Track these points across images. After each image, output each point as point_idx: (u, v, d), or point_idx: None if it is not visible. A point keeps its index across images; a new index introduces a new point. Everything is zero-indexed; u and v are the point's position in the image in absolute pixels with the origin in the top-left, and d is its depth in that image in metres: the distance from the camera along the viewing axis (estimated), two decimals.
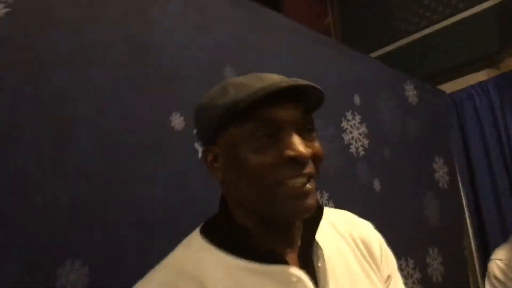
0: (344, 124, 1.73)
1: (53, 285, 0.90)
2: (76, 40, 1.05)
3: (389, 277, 0.73)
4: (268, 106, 0.59)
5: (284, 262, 0.62)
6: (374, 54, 2.87)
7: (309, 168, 0.60)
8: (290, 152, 0.58)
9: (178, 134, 1.19)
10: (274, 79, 0.62)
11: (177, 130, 1.19)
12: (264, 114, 0.59)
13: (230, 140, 0.61)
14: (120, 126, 1.08)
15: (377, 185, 1.77)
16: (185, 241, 0.68)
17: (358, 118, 1.80)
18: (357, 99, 1.83)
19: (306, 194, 0.59)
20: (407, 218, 1.86)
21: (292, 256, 0.65)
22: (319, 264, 0.64)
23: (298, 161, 0.58)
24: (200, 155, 1.30)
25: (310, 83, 0.60)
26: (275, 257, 0.62)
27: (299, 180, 0.59)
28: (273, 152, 0.59)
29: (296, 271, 0.61)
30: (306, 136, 0.62)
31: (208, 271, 0.61)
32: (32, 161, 0.93)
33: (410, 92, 2.16)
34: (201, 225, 0.69)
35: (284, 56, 1.57)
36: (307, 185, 0.59)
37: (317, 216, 0.66)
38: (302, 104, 0.63)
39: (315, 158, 0.61)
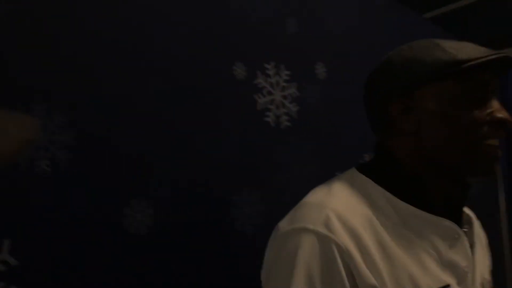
0: None
1: (120, 223, 0.95)
2: None
3: None
4: (485, 70, 0.65)
5: (448, 218, 0.67)
6: (428, 15, 2.72)
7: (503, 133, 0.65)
8: (499, 114, 0.63)
9: (239, 83, 1.21)
10: (483, 48, 0.66)
11: (239, 79, 1.21)
12: (482, 77, 0.64)
13: (441, 95, 0.65)
14: (182, 71, 1.10)
15: None
16: (344, 178, 0.70)
17: None
18: None
19: (498, 156, 0.64)
20: None
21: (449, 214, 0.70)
22: (465, 229, 0.71)
23: (502, 124, 0.63)
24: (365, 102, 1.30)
25: None
26: (444, 211, 0.67)
27: (496, 142, 0.64)
28: (482, 112, 0.64)
29: (458, 229, 0.67)
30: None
31: (378, 205, 0.65)
32: (111, 107, 0.97)
33: None
34: (355, 167, 0.73)
35: (342, 12, 1.54)
36: (498, 149, 0.65)
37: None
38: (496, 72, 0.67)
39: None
